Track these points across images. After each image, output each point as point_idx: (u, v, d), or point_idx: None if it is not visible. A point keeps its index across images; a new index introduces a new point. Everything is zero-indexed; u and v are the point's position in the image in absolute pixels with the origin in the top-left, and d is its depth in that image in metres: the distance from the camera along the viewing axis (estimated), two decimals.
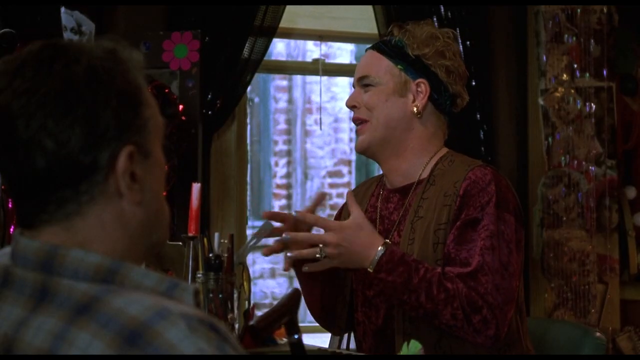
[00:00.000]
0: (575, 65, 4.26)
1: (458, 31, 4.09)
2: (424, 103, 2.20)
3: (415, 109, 2.20)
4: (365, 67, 2.25)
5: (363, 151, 2.25)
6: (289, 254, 2.09)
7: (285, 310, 1.49)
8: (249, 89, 4.35)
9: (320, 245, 2.03)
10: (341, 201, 7.94)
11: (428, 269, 2.03)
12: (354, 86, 2.28)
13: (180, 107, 3.81)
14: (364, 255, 2.02)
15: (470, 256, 2.04)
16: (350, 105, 2.25)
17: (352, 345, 2.30)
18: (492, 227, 2.06)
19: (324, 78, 4.86)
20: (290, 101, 8.10)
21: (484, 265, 2.03)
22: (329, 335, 2.38)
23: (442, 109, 2.23)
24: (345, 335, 2.32)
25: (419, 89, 2.21)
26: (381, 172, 2.32)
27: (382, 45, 2.25)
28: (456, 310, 2.00)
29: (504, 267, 2.05)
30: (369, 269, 2.02)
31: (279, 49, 7.81)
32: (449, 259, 2.07)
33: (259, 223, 2.29)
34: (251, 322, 1.53)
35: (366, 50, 2.31)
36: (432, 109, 2.22)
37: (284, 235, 2.08)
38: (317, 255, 2.03)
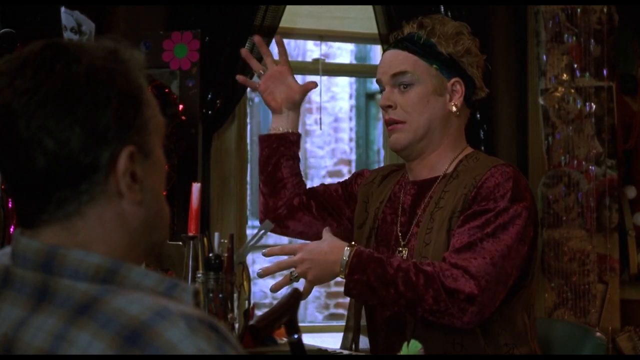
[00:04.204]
0: (575, 65, 4.26)
1: None
2: (461, 101, 2.22)
3: (454, 108, 2.22)
4: (400, 63, 2.21)
5: (400, 150, 2.23)
6: (270, 289, 2.18)
7: (285, 310, 1.49)
8: (249, 88, 4.35)
9: (291, 270, 2.08)
10: None
11: (401, 260, 2.05)
12: (379, 83, 2.26)
13: (180, 106, 3.81)
14: (331, 261, 2.06)
15: (469, 239, 2.06)
16: (386, 105, 2.22)
17: (362, 344, 2.30)
18: (501, 220, 2.07)
19: (324, 78, 4.87)
20: None
21: (480, 249, 2.04)
22: (329, 335, 2.38)
23: (469, 103, 2.26)
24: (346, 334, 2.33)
25: (455, 89, 2.22)
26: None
27: (410, 45, 2.22)
28: (438, 291, 2.00)
29: (508, 248, 2.05)
30: (340, 276, 2.06)
31: None
32: (451, 244, 2.08)
33: (259, 223, 2.29)
34: (251, 322, 1.53)
35: (387, 49, 2.27)
36: (464, 104, 2.25)
37: (258, 272, 2.13)
38: (290, 278, 2.09)
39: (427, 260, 2.08)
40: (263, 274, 2.11)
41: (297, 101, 2.41)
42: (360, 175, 2.41)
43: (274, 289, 2.14)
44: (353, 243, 2.09)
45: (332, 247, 2.07)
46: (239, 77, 2.47)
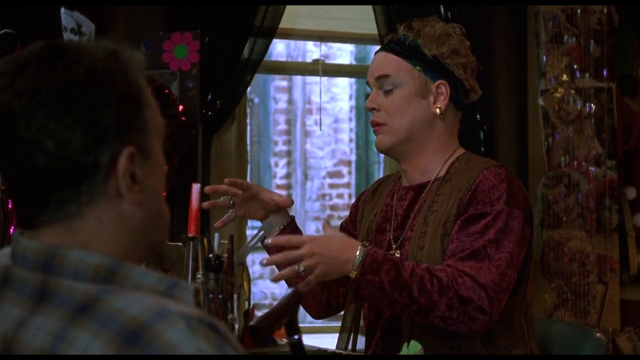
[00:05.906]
0: (575, 66, 4.26)
1: None
2: (445, 104, 2.21)
3: (437, 110, 2.20)
4: (384, 66, 2.22)
5: (384, 151, 2.26)
6: (271, 279, 2.11)
7: (285, 311, 1.49)
8: (249, 89, 4.35)
9: (297, 264, 2.00)
10: (341, 201, 7.94)
11: (415, 264, 2.03)
12: (368, 85, 2.26)
13: (180, 107, 3.81)
14: (343, 259, 2.01)
15: (472, 246, 2.05)
16: (370, 108, 2.23)
17: (359, 344, 2.30)
18: (500, 223, 2.06)
19: (324, 78, 4.87)
20: (290, 102, 8.09)
21: (485, 257, 2.03)
22: (329, 335, 2.38)
23: (459, 105, 2.24)
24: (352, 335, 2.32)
25: (439, 90, 2.20)
26: (382, 175, 2.33)
27: (396, 47, 2.22)
28: (452, 299, 2.00)
29: (511, 256, 2.05)
30: (351, 274, 2.01)
31: (279, 49, 7.80)
32: (450, 249, 2.07)
33: (259, 223, 2.29)
34: (251, 323, 1.53)
35: (376, 52, 2.29)
36: (451, 106, 2.23)
37: (261, 261, 2.07)
38: (296, 271, 2.00)
39: (422, 263, 2.07)
40: (267, 264, 2.06)
41: (278, 209, 2.28)
42: (355, 205, 2.41)
43: (276, 279, 2.09)
44: (366, 243, 2.07)
45: (345, 244, 2.03)
46: (205, 204, 2.28)
